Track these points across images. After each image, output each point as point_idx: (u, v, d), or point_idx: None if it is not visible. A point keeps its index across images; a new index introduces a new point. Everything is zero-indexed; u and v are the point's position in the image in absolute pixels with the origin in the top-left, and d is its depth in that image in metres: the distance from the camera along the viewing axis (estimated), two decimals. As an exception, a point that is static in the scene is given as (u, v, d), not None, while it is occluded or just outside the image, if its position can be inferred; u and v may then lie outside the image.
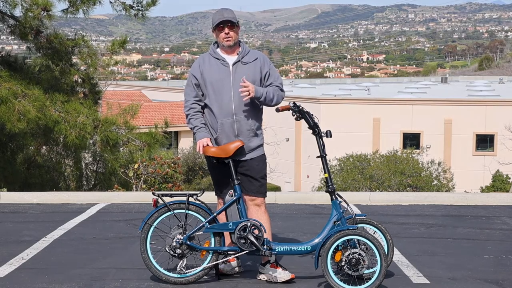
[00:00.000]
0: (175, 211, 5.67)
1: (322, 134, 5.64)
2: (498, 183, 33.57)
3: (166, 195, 5.81)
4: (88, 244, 7.10)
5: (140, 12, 14.94)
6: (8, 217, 8.52)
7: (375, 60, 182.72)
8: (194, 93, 5.78)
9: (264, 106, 5.86)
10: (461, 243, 7.19)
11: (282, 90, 5.82)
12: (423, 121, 41.39)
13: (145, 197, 9.60)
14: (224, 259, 5.71)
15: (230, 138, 5.70)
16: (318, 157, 5.66)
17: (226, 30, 5.71)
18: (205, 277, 5.68)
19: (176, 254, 5.59)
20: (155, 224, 5.67)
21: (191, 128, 5.78)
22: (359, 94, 50.73)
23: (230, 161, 5.63)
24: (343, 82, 72.06)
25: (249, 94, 5.59)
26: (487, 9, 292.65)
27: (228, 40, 5.73)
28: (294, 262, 6.13)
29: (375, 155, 29.49)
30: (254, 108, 5.75)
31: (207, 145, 5.64)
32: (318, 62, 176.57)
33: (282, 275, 5.65)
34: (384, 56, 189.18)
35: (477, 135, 41.43)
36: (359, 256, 5.31)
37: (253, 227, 5.53)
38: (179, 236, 5.58)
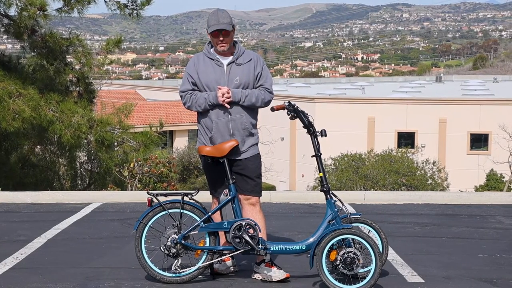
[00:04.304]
0: (170, 211, 5.67)
1: (317, 133, 5.65)
2: (492, 182, 33.67)
3: (161, 195, 5.79)
4: (82, 244, 7.09)
5: (135, 11, 14.91)
6: (2, 216, 8.50)
7: (369, 59, 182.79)
8: (191, 89, 5.75)
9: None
10: (456, 242, 7.20)
11: (270, 92, 5.77)
12: (417, 120, 41.45)
13: (140, 196, 9.58)
14: (219, 259, 5.71)
15: (224, 137, 5.69)
16: (313, 156, 5.66)
17: (221, 37, 5.68)
18: (200, 276, 5.68)
19: (171, 254, 5.59)
20: (150, 223, 5.66)
21: (203, 106, 5.64)
22: (354, 93, 50.80)
23: (225, 161, 5.63)
24: (338, 81, 72.10)
25: (228, 97, 5.58)
26: (481, 9, 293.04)
27: (222, 46, 5.70)
28: (289, 261, 6.13)
29: (369, 154, 29.51)
30: (249, 107, 5.74)
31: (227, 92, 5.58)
32: (313, 61, 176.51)
33: (277, 274, 5.65)
34: (378, 55, 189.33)
35: (471, 134, 41.52)
36: (354, 255, 5.31)
37: (248, 227, 5.53)
38: (174, 236, 5.58)
